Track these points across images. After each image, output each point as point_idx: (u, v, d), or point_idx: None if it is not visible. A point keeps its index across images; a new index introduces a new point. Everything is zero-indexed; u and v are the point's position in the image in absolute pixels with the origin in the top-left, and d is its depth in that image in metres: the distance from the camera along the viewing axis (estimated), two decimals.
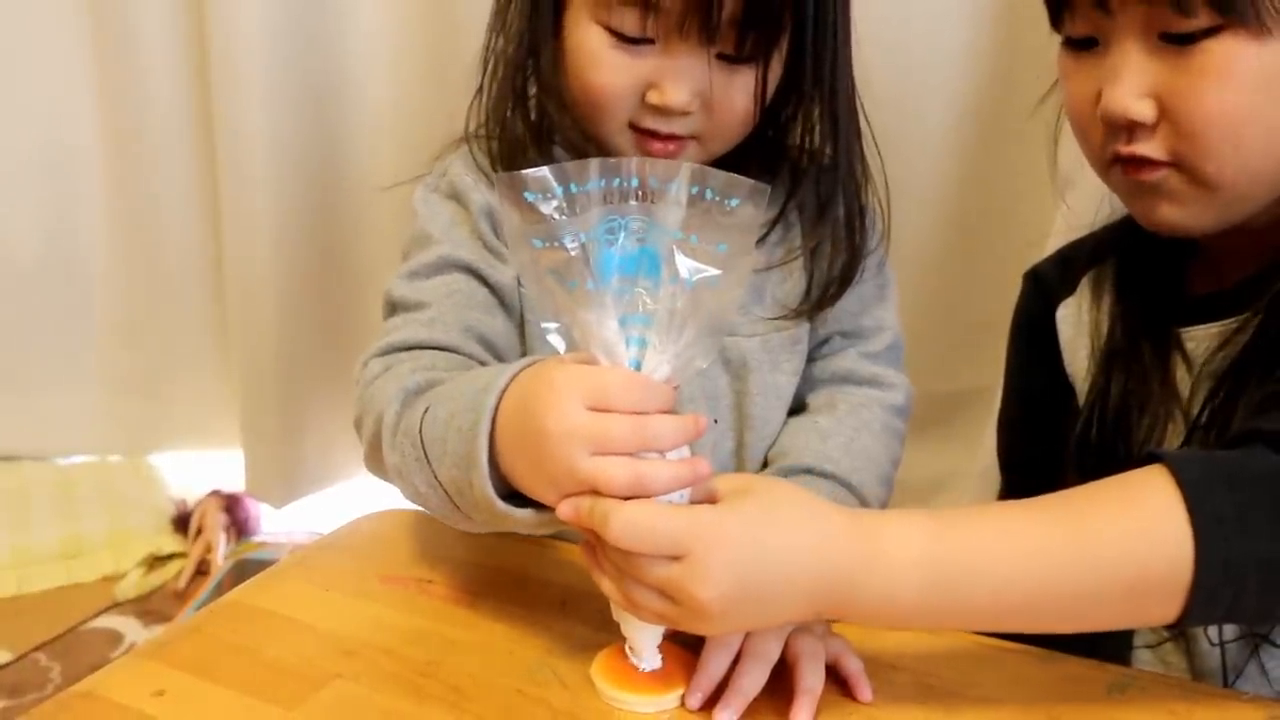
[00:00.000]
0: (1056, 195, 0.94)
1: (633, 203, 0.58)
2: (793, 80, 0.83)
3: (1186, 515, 0.58)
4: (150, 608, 1.68)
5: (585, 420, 0.57)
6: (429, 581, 0.78)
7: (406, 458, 0.68)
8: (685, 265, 0.58)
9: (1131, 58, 0.70)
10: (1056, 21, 0.76)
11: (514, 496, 0.63)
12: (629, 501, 0.57)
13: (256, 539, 1.86)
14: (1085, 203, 1.10)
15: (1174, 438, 0.80)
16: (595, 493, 0.58)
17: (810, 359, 0.91)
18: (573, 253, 0.57)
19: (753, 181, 0.59)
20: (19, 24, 1.79)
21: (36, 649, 1.56)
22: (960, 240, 1.47)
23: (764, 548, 0.59)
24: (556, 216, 0.57)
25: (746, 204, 0.59)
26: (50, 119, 1.83)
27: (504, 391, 0.62)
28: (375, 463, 0.74)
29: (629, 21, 0.76)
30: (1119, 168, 0.75)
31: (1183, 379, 0.79)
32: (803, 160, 0.88)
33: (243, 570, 1.70)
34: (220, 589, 1.66)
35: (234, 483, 1.89)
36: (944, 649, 0.72)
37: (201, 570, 1.77)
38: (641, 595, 0.59)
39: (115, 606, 1.68)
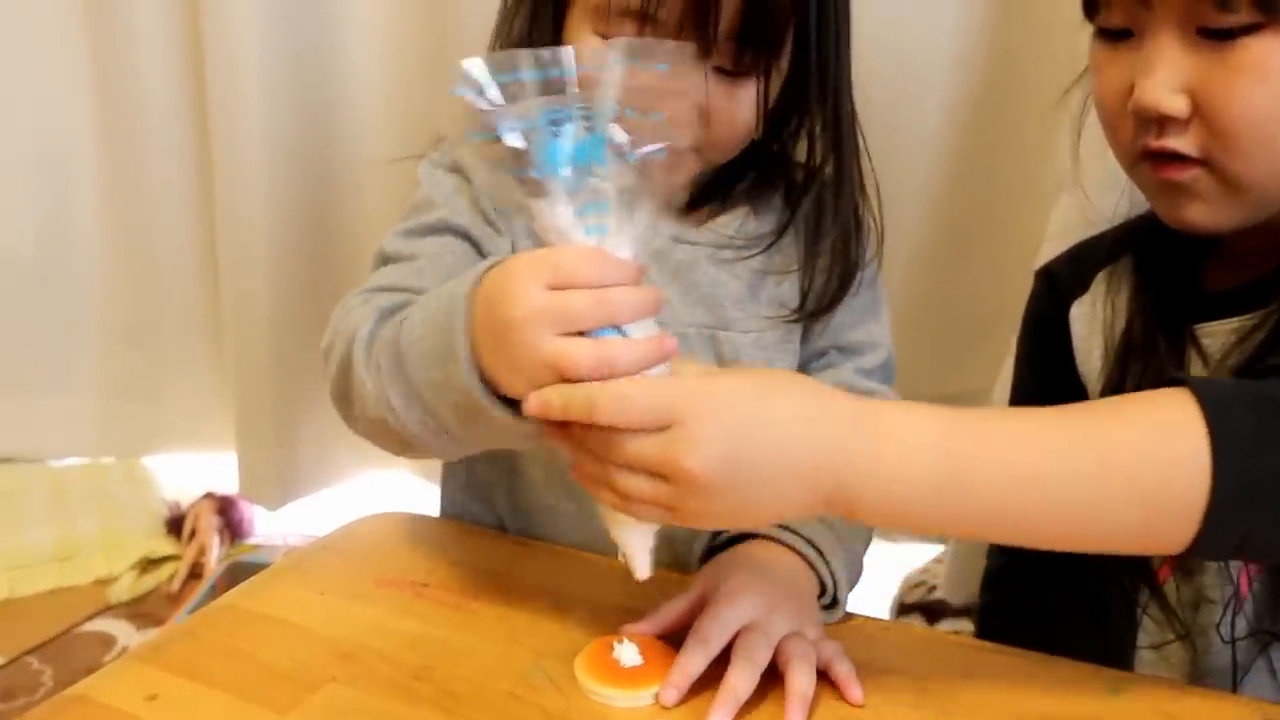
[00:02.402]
0: (1075, 186, 0.93)
1: (573, 91, 0.58)
2: (795, 93, 0.83)
3: (1206, 430, 0.57)
4: (143, 611, 1.68)
5: (546, 299, 0.57)
6: (424, 585, 0.78)
7: (382, 370, 0.68)
8: (626, 140, 0.58)
9: (1167, 51, 0.69)
10: (1091, 10, 0.75)
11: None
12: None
13: (250, 542, 1.86)
14: (1102, 198, 1.10)
15: None
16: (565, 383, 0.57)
17: (806, 371, 0.91)
18: (514, 143, 0.57)
19: (673, 42, 0.59)
20: (14, 23, 1.78)
21: (28, 652, 1.56)
22: (954, 244, 1.47)
23: (761, 416, 0.57)
24: (491, 107, 0.57)
25: (675, 66, 0.58)
26: (45, 119, 1.83)
27: (476, 285, 0.62)
28: (342, 389, 0.73)
29: (627, 33, 0.75)
30: (1147, 164, 0.73)
31: (1199, 375, 0.78)
32: (800, 174, 0.88)
33: (236, 573, 1.69)
34: (214, 592, 1.65)
35: (228, 485, 1.89)
36: (938, 652, 0.72)
37: (195, 573, 1.77)
38: (630, 482, 0.58)
39: (108, 610, 1.68)
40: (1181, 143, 0.70)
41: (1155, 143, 0.71)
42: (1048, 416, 0.62)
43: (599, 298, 0.57)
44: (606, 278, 0.58)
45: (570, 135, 0.57)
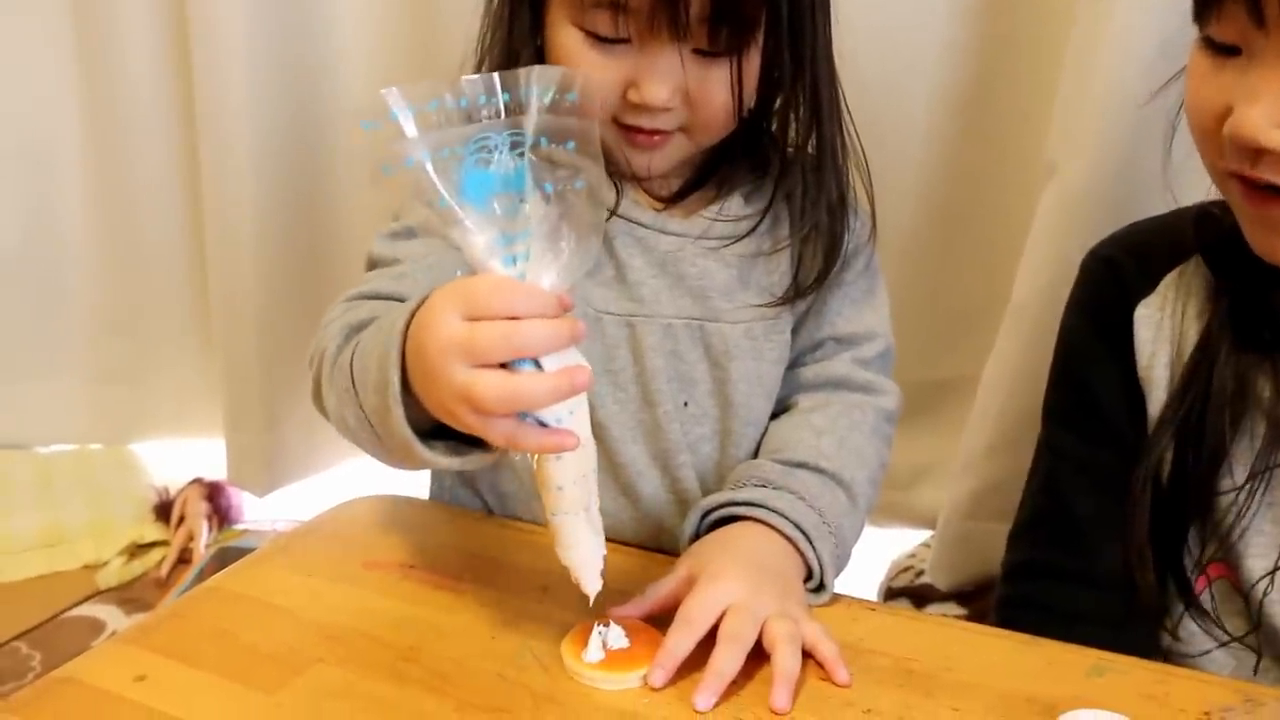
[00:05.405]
0: (1165, 187, 0.90)
1: (502, 118, 0.57)
2: (774, 70, 0.83)
3: None
4: (132, 596, 1.68)
5: (458, 330, 0.58)
6: (411, 566, 0.79)
7: (339, 390, 0.69)
8: (542, 172, 0.58)
9: (1275, 82, 0.64)
10: (1201, 17, 0.70)
11: (440, 434, 0.64)
12: None
13: (239, 527, 1.86)
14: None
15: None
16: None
17: (803, 363, 0.91)
18: (424, 173, 0.56)
19: (582, 73, 0.59)
20: None
21: (17, 637, 1.55)
22: (943, 229, 1.47)
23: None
24: (398, 139, 0.56)
25: (581, 95, 0.58)
26: (31, 108, 1.82)
27: (413, 315, 0.62)
28: (318, 398, 0.75)
29: (601, 23, 0.75)
30: (1238, 185, 0.70)
31: None
32: (788, 151, 0.87)
33: (225, 559, 1.69)
34: (202, 577, 1.65)
35: (216, 471, 1.88)
36: (924, 633, 0.73)
37: (184, 559, 1.76)
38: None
39: (97, 595, 1.68)
40: (1278, 176, 0.67)
41: (1249, 173, 0.68)
42: None
43: (507, 331, 0.57)
44: (518, 308, 0.57)
45: (498, 162, 0.57)
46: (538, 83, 0.58)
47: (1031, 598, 0.89)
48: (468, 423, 0.59)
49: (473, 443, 0.63)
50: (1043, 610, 0.86)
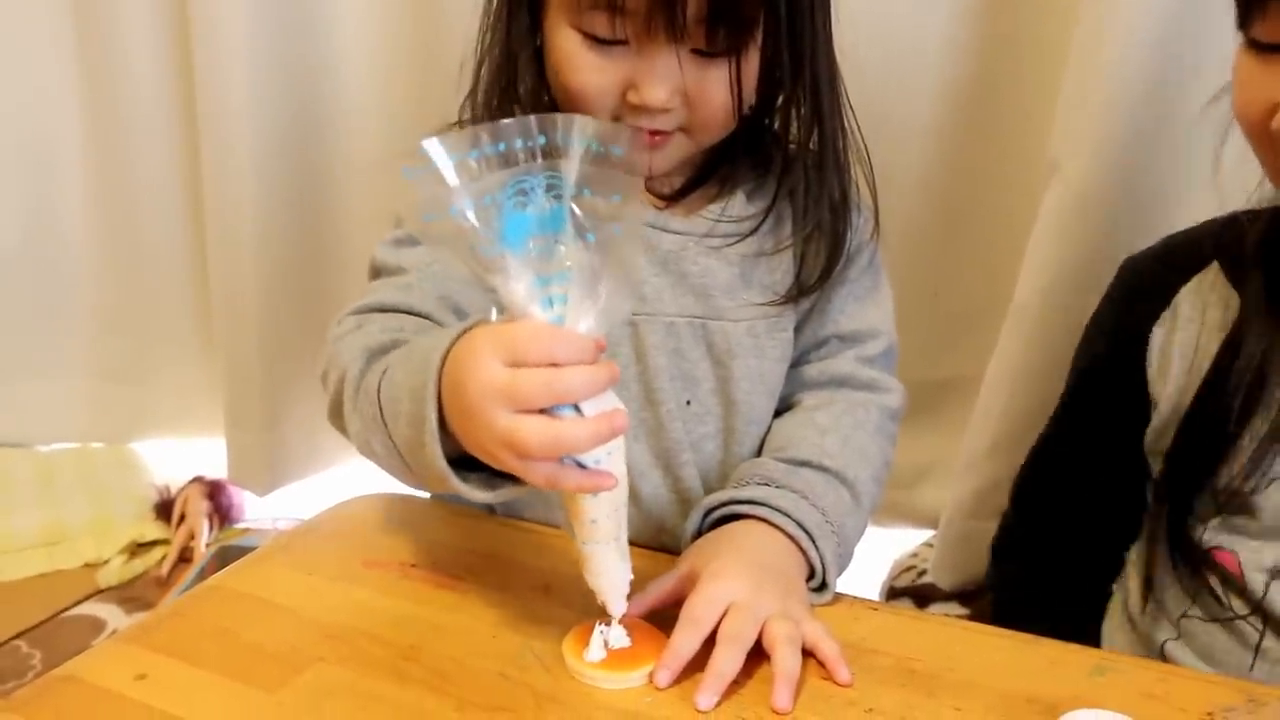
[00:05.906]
0: (1219, 195, 0.90)
1: (538, 161, 0.58)
2: (774, 69, 0.82)
3: None
4: (133, 595, 1.68)
5: (500, 376, 0.58)
6: (412, 565, 0.78)
7: (365, 417, 0.69)
8: (585, 221, 0.58)
9: None
10: (1245, 21, 0.71)
11: (469, 462, 0.64)
12: None
13: (240, 526, 1.86)
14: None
15: None
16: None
17: (806, 361, 0.91)
18: (466, 221, 0.57)
19: (629, 128, 0.59)
20: (0, 18, 1.77)
21: (17, 636, 1.55)
22: (945, 228, 1.47)
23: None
24: (443, 187, 0.57)
25: (629, 152, 0.59)
26: (32, 106, 1.82)
27: (448, 351, 0.62)
28: (337, 418, 0.75)
29: (599, 24, 0.75)
30: None
31: None
32: (790, 150, 0.87)
33: (226, 557, 1.69)
34: (203, 576, 1.65)
35: (217, 470, 1.89)
36: (926, 633, 0.73)
37: (185, 558, 1.77)
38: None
39: (97, 594, 1.68)
40: None
41: None
42: None
43: (548, 379, 0.57)
44: (558, 355, 0.58)
45: (535, 204, 0.57)
46: (578, 132, 0.58)
47: (1023, 573, 0.90)
48: (509, 465, 0.60)
49: (505, 475, 0.63)
50: (1034, 584, 0.87)
